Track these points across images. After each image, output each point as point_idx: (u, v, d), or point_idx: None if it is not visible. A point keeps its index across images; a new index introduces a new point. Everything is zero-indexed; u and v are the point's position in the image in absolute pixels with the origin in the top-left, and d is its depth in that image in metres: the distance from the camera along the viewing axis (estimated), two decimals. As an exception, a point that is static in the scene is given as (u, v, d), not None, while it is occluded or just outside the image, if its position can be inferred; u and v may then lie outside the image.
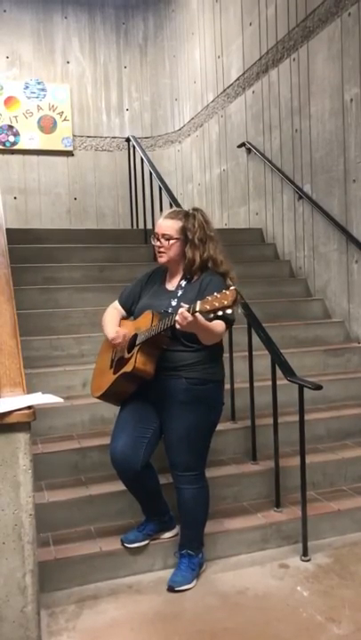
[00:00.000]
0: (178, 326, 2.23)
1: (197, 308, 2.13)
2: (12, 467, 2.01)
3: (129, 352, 2.52)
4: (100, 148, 7.90)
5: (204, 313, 2.12)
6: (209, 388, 2.53)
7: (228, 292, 2.09)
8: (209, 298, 2.11)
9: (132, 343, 2.52)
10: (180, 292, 2.56)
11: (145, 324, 2.48)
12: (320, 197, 4.82)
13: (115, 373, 2.56)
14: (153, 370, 2.45)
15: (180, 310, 2.19)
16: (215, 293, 2.12)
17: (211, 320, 2.21)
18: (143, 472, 2.53)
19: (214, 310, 2.09)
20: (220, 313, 2.10)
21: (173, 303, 2.53)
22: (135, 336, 2.51)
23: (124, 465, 2.51)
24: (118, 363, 2.57)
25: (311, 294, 5.03)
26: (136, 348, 2.45)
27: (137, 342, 2.47)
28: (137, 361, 2.42)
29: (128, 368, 2.45)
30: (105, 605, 2.49)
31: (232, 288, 2.11)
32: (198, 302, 2.13)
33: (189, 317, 2.17)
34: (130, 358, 2.48)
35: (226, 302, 2.07)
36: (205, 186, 7.14)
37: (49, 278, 4.59)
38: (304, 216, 5.08)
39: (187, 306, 2.20)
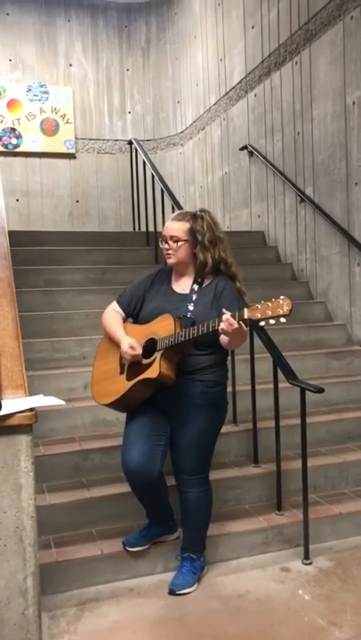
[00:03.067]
0: (221, 332, 2.24)
1: (246, 316, 2.16)
2: (13, 469, 2.01)
3: (145, 357, 2.46)
4: (102, 151, 7.92)
5: (254, 320, 2.15)
6: (219, 389, 2.54)
7: (282, 301, 2.12)
8: (259, 306, 2.15)
9: (150, 348, 2.46)
10: (194, 297, 2.52)
11: (165, 329, 2.41)
12: (322, 200, 4.82)
13: (129, 379, 2.48)
14: (175, 375, 2.43)
15: (226, 317, 2.20)
16: (265, 302, 2.15)
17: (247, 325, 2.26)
18: (158, 480, 2.51)
19: (266, 318, 2.14)
20: (272, 321, 2.14)
21: (191, 307, 2.48)
22: (152, 341, 2.45)
23: (141, 474, 2.45)
24: (133, 368, 2.49)
25: (313, 297, 5.03)
26: (159, 354, 2.40)
27: (159, 348, 2.41)
28: (162, 367, 2.37)
29: (152, 374, 2.39)
30: (106, 608, 2.49)
31: (285, 297, 2.14)
32: (246, 310, 2.17)
33: (235, 325, 2.19)
34: (151, 364, 2.41)
35: (281, 311, 2.11)
36: (207, 188, 7.15)
37: (51, 280, 4.60)
38: (306, 219, 5.08)
39: (228, 312, 2.21)
